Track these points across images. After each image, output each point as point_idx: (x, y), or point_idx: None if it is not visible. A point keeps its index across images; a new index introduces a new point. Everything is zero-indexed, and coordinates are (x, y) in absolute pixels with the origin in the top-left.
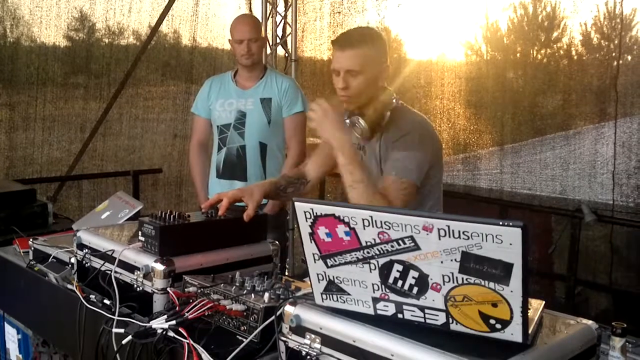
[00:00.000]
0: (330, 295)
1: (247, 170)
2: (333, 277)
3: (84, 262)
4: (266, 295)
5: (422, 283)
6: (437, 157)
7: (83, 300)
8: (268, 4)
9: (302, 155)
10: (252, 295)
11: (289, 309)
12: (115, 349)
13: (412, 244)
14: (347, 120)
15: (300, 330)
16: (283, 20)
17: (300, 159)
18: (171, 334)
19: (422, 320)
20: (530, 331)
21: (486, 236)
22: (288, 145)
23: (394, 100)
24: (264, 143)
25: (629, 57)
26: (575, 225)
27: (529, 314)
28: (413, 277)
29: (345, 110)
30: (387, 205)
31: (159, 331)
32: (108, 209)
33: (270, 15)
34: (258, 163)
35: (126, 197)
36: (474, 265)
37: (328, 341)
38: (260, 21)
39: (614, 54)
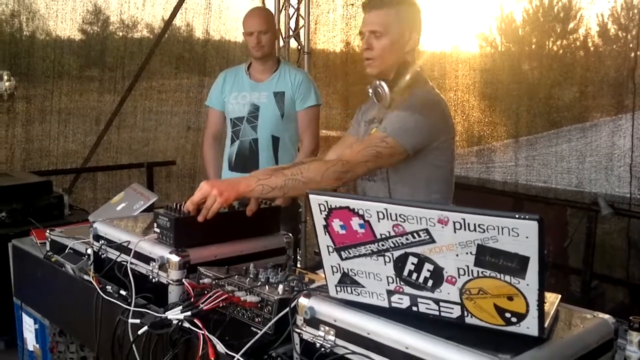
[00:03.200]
0: (345, 288)
1: (259, 163)
2: (347, 269)
3: (100, 253)
4: (280, 287)
5: (437, 276)
6: (444, 136)
7: (99, 291)
8: None
9: (315, 148)
10: (267, 287)
11: (303, 301)
12: (131, 339)
13: (427, 236)
14: (370, 89)
15: (314, 322)
16: (296, 13)
17: (314, 152)
18: (186, 324)
19: (437, 313)
20: (546, 325)
21: (502, 229)
22: (301, 138)
23: (418, 70)
24: (276, 136)
25: None
26: (592, 219)
27: (545, 308)
28: (428, 270)
29: (369, 75)
30: (346, 164)
31: (175, 322)
32: (123, 200)
33: (283, 8)
34: (270, 156)
35: (141, 189)
36: (489, 258)
37: (342, 333)
38: (274, 14)
39: (631, 45)
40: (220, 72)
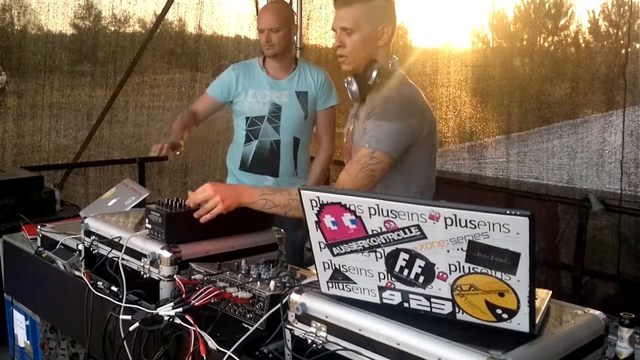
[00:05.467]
0: (336, 284)
1: (280, 165)
2: (339, 265)
3: (91, 249)
4: (272, 283)
5: (429, 272)
6: (423, 133)
7: (91, 287)
8: None
9: (334, 148)
10: (258, 283)
11: (294, 297)
12: (123, 335)
13: (419, 232)
14: (345, 84)
15: (306, 318)
16: None
17: (333, 153)
18: (178, 321)
19: (428, 309)
20: (537, 321)
21: (493, 225)
22: (320, 138)
23: (390, 65)
24: (297, 138)
25: (638, 45)
26: (583, 215)
27: (536, 304)
28: (419, 266)
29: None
30: (348, 183)
31: (166, 318)
32: (115, 196)
33: None
34: (290, 158)
35: (133, 185)
36: (480, 254)
37: (334, 329)
38: (294, 10)
39: (622, 42)
40: (232, 65)
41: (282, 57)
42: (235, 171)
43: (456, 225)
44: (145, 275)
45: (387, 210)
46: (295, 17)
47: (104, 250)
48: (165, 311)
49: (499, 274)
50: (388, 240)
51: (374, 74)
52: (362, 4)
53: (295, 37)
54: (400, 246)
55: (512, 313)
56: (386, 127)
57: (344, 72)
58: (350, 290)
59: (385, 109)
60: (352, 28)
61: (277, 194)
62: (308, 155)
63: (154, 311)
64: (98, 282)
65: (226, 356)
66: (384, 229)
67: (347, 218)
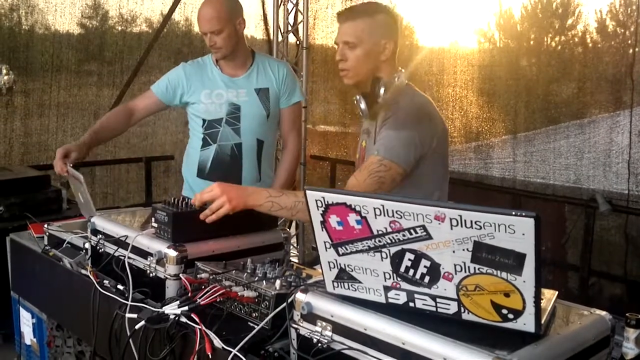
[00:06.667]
0: (342, 283)
1: (242, 170)
2: (344, 265)
3: (98, 247)
4: (278, 282)
5: (434, 272)
6: (434, 142)
7: (97, 286)
8: None
9: (300, 149)
10: (264, 282)
11: (300, 296)
12: (129, 333)
13: (424, 233)
14: (355, 101)
15: (311, 317)
16: (295, 8)
17: (299, 154)
18: (183, 319)
19: (434, 309)
20: (543, 321)
21: (499, 226)
22: (285, 138)
23: (397, 79)
24: (261, 140)
25: None
26: (590, 215)
27: (541, 304)
28: (425, 266)
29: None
30: (356, 188)
31: (172, 317)
32: (76, 189)
33: (282, 3)
34: (254, 162)
35: (72, 172)
36: (486, 255)
37: (339, 329)
38: (226, 8)
39: (629, 42)
40: (182, 64)
41: (234, 56)
42: (192, 179)
43: (462, 226)
44: (151, 274)
45: (393, 211)
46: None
47: (110, 248)
48: (171, 310)
49: (504, 275)
50: (393, 241)
51: (382, 90)
52: (365, 19)
53: (244, 30)
54: (405, 246)
55: (517, 313)
56: (395, 136)
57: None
58: (355, 290)
59: (396, 119)
60: (354, 42)
61: (283, 196)
62: (273, 159)
63: (160, 310)
64: (104, 281)
65: (231, 355)
66: (389, 230)
67: (352, 218)
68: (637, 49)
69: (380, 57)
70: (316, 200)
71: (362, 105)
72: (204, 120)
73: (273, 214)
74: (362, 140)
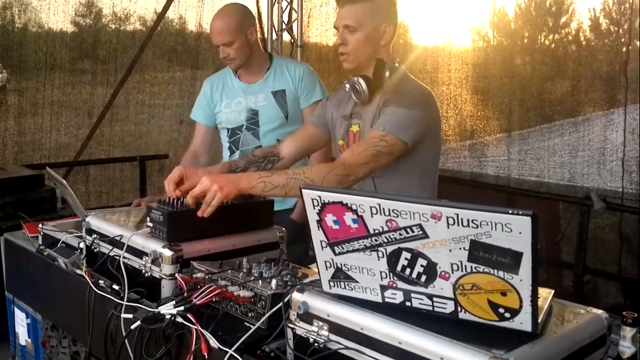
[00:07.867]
0: (338, 283)
1: None
2: (341, 264)
3: (92, 247)
4: (273, 281)
5: (431, 271)
6: (433, 130)
7: (92, 285)
8: None
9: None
10: (260, 281)
11: (296, 295)
12: (124, 334)
13: (421, 232)
14: (347, 85)
15: (307, 317)
16: (289, 6)
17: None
18: (179, 319)
19: (431, 308)
20: (539, 320)
21: (495, 225)
22: None
23: (397, 65)
24: (281, 141)
25: (639, 43)
26: (584, 213)
27: (538, 303)
28: (421, 265)
29: (346, 69)
30: (347, 167)
31: (167, 317)
32: (65, 193)
33: (276, 1)
34: None
35: (56, 177)
36: (483, 253)
37: (336, 328)
38: (238, 16)
39: (623, 40)
40: (206, 79)
41: (250, 63)
42: None
43: (458, 225)
44: (146, 274)
45: (389, 210)
46: (254, 18)
47: (105, 248)
48: (167, 310)
49: (501, 274)
50: (390, 240)
51: (387, 73)
52: (366, 2)
53: (259, 35)
54: (402, 245)
55: (514, 312)
56: (404, 113)
57: (345, 70)
58: (352, 289)
59: (403, 99)
60: (355, 26)
61: (274, 175)
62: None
63: (156, 310)
64: (99, 281)
65: (228, 355)
66: (385, 228)
67: (348, 217)
68: (630, 47)
69: (380, 41)
70: (312, 199)
71: (363, 87)
72: (227, 130)
73: (267, 195)
74: (353, 124)
